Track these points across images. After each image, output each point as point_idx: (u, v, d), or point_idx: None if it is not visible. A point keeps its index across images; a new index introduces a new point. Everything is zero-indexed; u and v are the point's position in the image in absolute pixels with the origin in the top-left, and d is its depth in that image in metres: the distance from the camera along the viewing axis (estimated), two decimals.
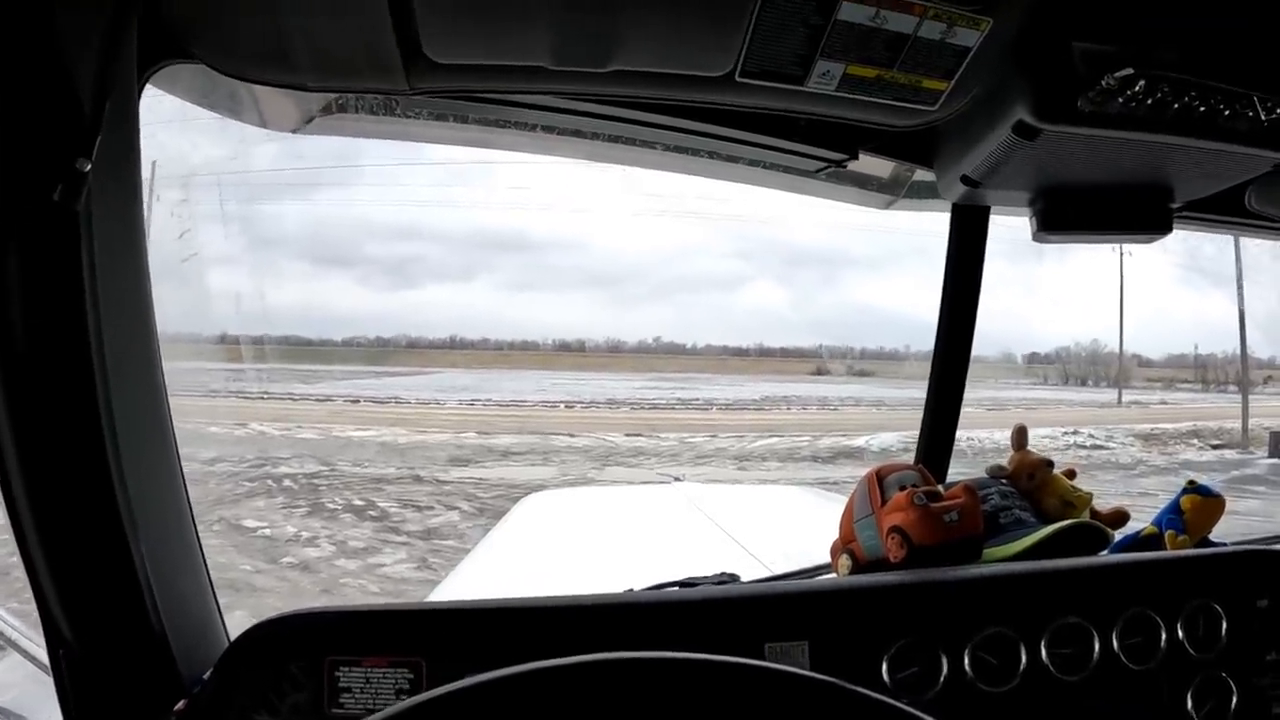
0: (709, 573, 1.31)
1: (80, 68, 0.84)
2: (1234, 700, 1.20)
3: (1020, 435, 1.50)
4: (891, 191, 1.63)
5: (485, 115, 1.35)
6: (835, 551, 1.40)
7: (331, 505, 10.69)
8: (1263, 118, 1.09)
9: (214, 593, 1.15)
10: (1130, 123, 1.09)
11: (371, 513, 10.37)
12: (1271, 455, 14.92)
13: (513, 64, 1.03)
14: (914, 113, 1.12)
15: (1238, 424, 17.24)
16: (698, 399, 23.67)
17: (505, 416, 19.35)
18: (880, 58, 1.02)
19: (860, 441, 16.11)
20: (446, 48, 0.98)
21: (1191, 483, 1.44)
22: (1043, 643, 1.16)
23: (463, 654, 1.03)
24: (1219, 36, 1.04)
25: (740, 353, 32.95)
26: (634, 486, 6.83)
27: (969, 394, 1.65)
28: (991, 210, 1.55)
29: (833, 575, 1.39)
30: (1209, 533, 1.42)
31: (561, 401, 22.25)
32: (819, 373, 28.74)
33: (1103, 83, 1.02)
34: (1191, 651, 1.21)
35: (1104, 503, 1.46)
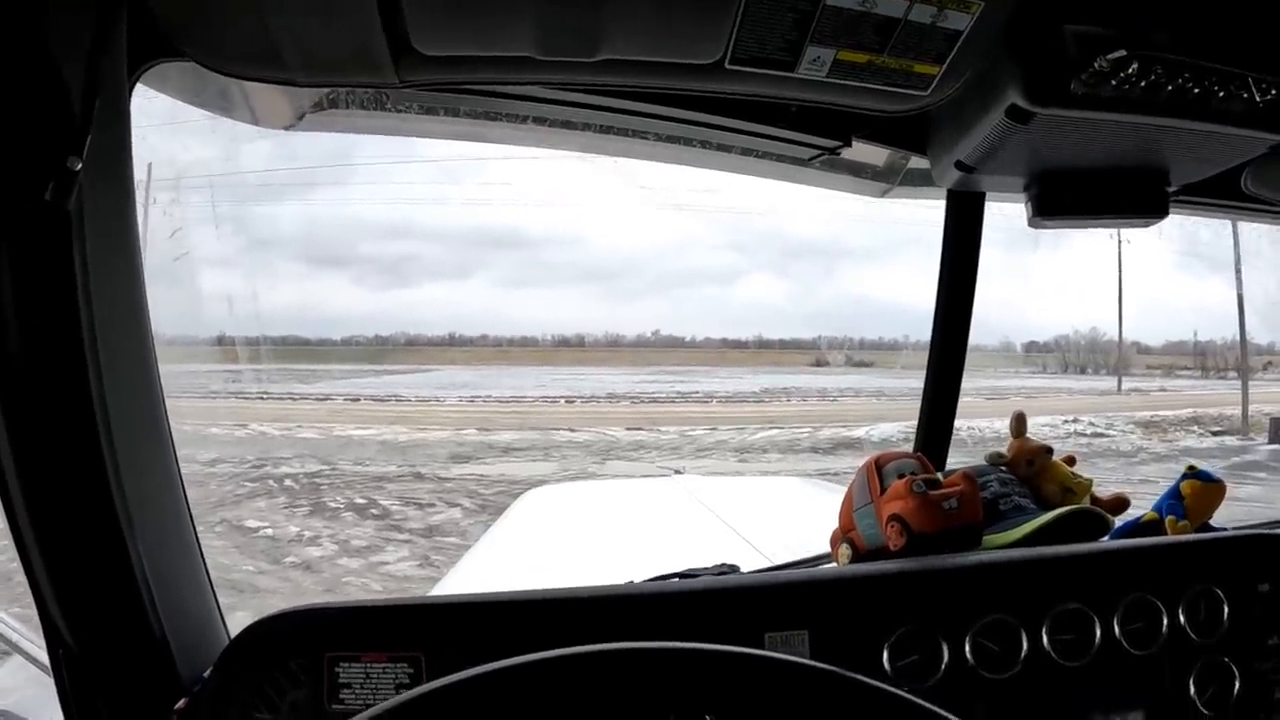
0: (709, 564, 1.31)
1: (70, 66, 0.84)
2: (1236, 685, 1.21)
3: (1019, 422, 1.50)
4: (886, 179, 1.63)
5: (476, 108, 1.34)
6: (835, 541, 1.40)
7: (333, 504, 10.69)
8: (1257, 99, 1.08)
9: (213, 591, 1.15)
10: (1124, 105, 1.08)
11: (373, 511, 10.36)
12: (1272, 441, 14.92)
13: (501, 55, 1.02)
14: (906, 98, 1.11)
15: (1238, 410, 17.23)
16: (697, 392, 23.69)
17: (505, 413, 19.38)
18: (871, 42, 1.01)
19: (860, 432, 16.12)
20: (435, 40, 0.98)
21: (1191, 468, 1.44)
22: (1044, 629, 1.16)
23: (462, 647, 1.03)
24: (1212, 17, 1.04)
25: (739, 345, 33.02)
26: (634, 480, 6.82)
27: (968, 383, 1.65)
28: (987, 197, 1.55)
29: (833, 565, 1.39)
30: (1210, 518, 1.42)
31: (561, 397, 22.27)
32: (818, 364, 28.77)
33: (1095, 65, 1.02)
34: (1193, 636, 1.21)
35: (1105, 490, 1.46)
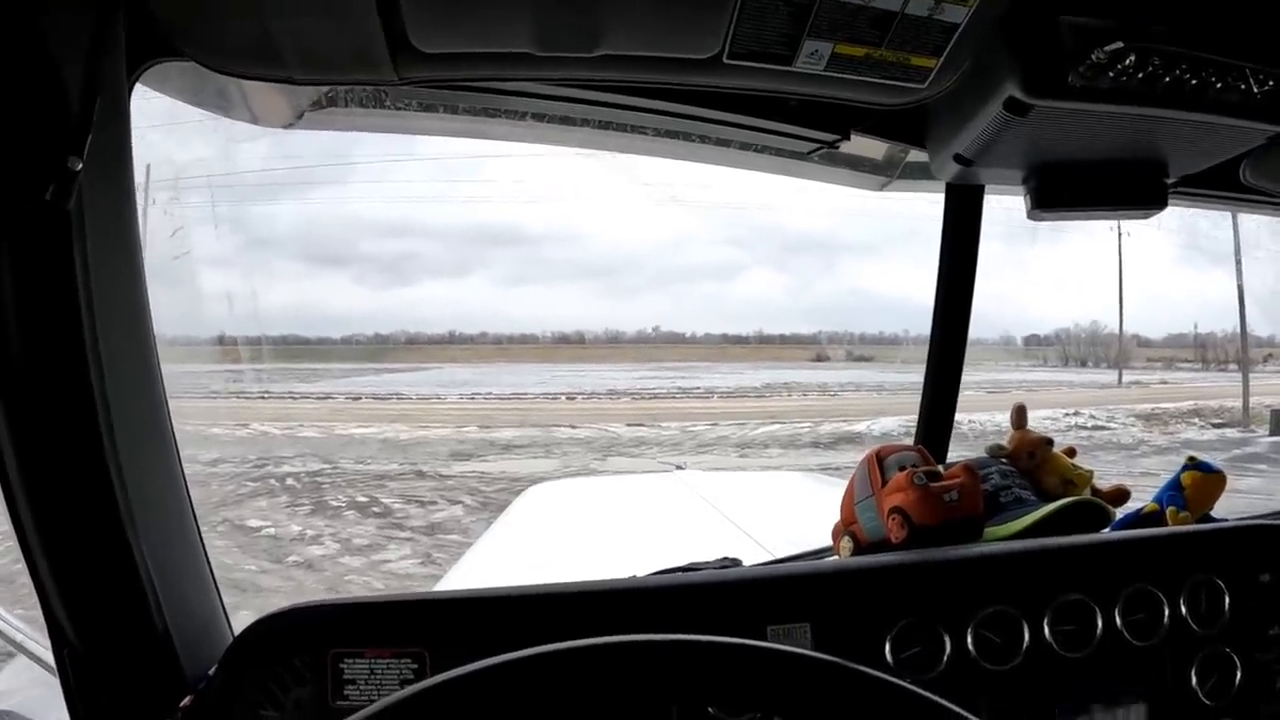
0: (711, 558, 1.31)
1: (69, 66, 0.84)
2: (1238, 675, 1.21)
3: (1019, 414, 1.50)
4: (885, 173, 1.63)
5: (475, 105, 1.34)
6: (837, 534, 1.40)
7: (335, 503, 10.70)
8: (1255, 90, 1.08)
9: (217, 589, 1.15)
10: (1122, 97, 1.08)
11: (375, 509, 10.37)
12: (1272, 433, 14.93)
13: (500, 51, 1.02)
14: (904, 91, 1.11)
15: (1238, 402, 17.23)
16: (698, 387, 23.70)
17: (506, 410, 19.39)
18: (868, 36, 1.01)
19: (861, 427, 16.12)
20: (433, 37, 0.98)
21: (1192, 459, 1.44)
22: (1045, 620, 1.16)
23: (466, 642, 1.03)
24: (1209, 8, 1.03)
25: (739, 340, 33.05)
26: (636, 476, 6.83)
27: (968, 377, 1.65)
28: (986, 189, 1.55)
29: (835, 558, 1.39)
30: (1210, 509, 1.42)
31: (562, 393, 22.28)
32: (818, 359, 28.81)
33: (1092, 57, 1.02)
34: (1195, 627, 1.21)
35: (1105, 482, 1.46)
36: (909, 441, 1.58)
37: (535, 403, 20.91)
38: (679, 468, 4.89)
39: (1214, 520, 1.41)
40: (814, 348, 29.91)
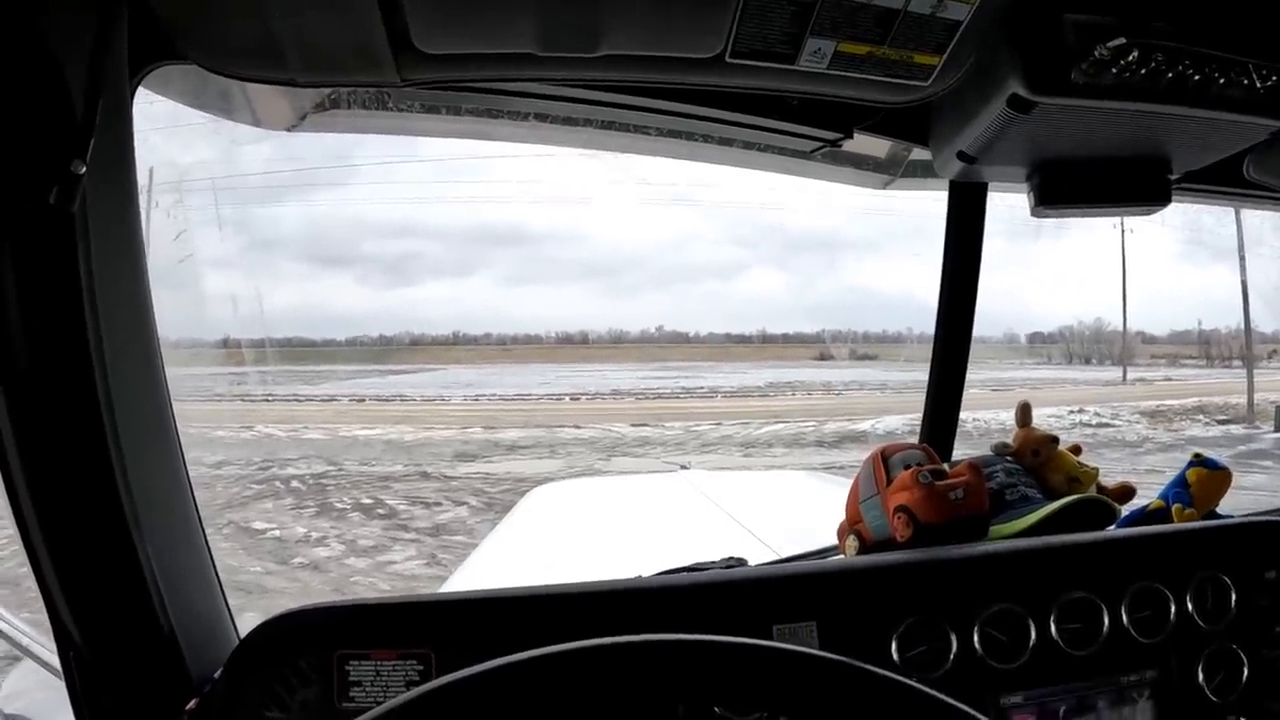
0: (717, 558, 1.31)
1: (72, 69, 0.84)
2: (1244, 672, 1.21)
3: (1024, 412, 1.49)
4: (889, 171, 1.63)
5: (477, 105, 1.34)
6: (842, 533, 1.40)
7: (340, 505, 10.71)
8: (1258, 85, 1.08)
9: (223, 591, 1.15)
10: (1125, 93, 1.08)
11: (380, 511, 10.38)
12: (1277, 429, 14.89)
13: (502, 52, 1.02)
14: (907, 89, 1.11)
15: (1243, 399, 17.18)
16: (702, 387, 23.71)
17: (510, 411, 19.41)
18: (871, 34, 1.01)
19: (865, 425, 16.11)
20: (435, 38, 0.98)
21: (1197, 455, 1.44)
22: (1051, 618, 1.16)
23: (471, 643, 1.03)
24: (1211, 4, 1.03)
25: (743, 339, 33.09)
26: (640, 476, 6.83)
27: (972, 375, 1.65)
28: (989, 187, 1.55)
29: (840, 557, 1.39)
30: (1216, 505, 1.42)
31: (566, 394, 22.30)
32: (822, 358, 28.79)
33: (1095, 53, 1.01)
34: (1201, 624, 1.21)
35: (1111, 480, 1.45)
36: (914, 440, 1.57)
37: (539, 403, 20.93)
38: (683, 467, 4.88)
39: (1220, 517, 1.40)
40: (817, 346, 29.95)
